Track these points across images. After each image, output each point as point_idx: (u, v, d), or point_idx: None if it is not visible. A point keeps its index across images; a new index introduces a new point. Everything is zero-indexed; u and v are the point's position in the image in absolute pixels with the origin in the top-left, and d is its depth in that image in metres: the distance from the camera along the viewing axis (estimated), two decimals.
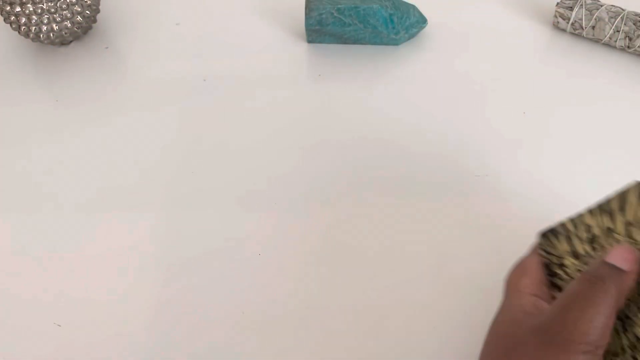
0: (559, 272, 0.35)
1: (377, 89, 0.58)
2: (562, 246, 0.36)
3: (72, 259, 0.47)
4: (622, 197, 0.35)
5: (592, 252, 0.35)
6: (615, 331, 0.32)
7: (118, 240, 0.48)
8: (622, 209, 0.34)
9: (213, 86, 0.59)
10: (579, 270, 0.34)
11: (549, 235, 0.37)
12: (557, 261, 0.36)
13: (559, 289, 0.35)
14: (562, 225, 0.37)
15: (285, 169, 0.52)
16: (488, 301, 0.44)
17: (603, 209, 0.35)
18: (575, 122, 0.55)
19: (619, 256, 0.31)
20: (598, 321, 0.29)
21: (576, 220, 0.36)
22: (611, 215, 0.35)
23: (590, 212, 0.36)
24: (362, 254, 0.47)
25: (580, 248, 0.35)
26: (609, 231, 0.34)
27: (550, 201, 0.49)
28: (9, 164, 0.54)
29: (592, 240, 0.35)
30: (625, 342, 0.31)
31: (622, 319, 0.32)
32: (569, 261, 0.35)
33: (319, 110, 0.57)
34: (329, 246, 0.48)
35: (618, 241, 0.34)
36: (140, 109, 0.58)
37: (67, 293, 0.46)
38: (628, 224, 0.34)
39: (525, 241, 0.45)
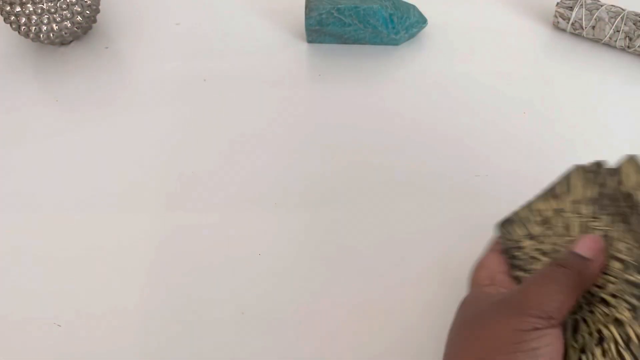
0: (518, 253, 0.38)
1: (377, 89, 0.58)
2: (519, 232, 0.39)
3: (72, 259, 0.47)
4: (566, 181, 0.39)
5: (545, 231, 0.38)
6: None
7: (118, 240, 0.48)
8: (567, 191, 0.39)
9: (213, 86, 0.59)
10: (536, 249, 0.38)
11: (506, 224, 0.40)
12: (515, 245, 0.39)
13: (520, 268, 0.38)
14: (516, 213, 0.41)
15: (285, 168, 0.52)
16: None
17: (551, 194, 0.40)
18: (575, 122, 0.55)
19: (584, 246, 0.33)
20: (555, 296, 0.31)
21: (527, 208, 0.40)
22: (559, 198, 0.39)
23: (540, 198, 0.40)
24: (362, 254, 0.47)
25: (534, 230, 0.39)
26: (559, 211, 0.38)
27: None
28: (9, 164, 0.54)
29: (545, 222, 0.38)
30: (581, 300, 0.33)
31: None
32: (526, 243, 0.38)
33: (319, 110, 0.57)
34: (329, 246, 0.48)
35: (568, 218, 0.37)
36: (140, 109, 0.58)
37: (67, 293, 0.46)
38: (575, 202, 0.38)
39: None
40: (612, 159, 0.43)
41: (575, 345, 0.32)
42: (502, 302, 0.33)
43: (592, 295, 0.33)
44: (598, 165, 0.39)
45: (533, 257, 0.38)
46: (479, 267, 0.39)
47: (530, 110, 0.56)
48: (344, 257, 0.47)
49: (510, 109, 0.56)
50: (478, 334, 0.33)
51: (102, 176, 0.53)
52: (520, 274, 0.38)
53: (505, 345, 0.30)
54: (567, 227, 0.38)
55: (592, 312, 0.33)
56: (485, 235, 0.48)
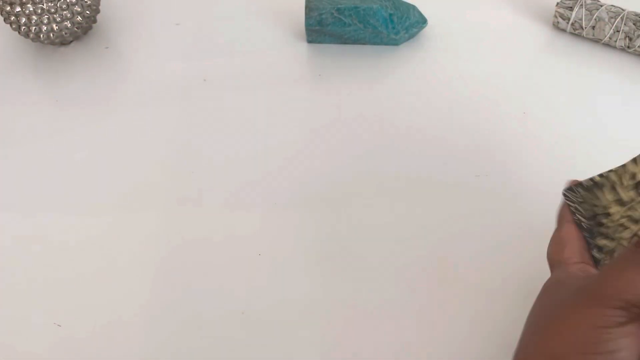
0: (605, 220, 0.36)
1: (377, 89, 0.58)
2: (608, 196, 0.36)
3: (73, 258, 0.47)
4: None
5: (637, 197, 0.35)
6: None
7: (118, 239, 0.48)
8: None
9: (213, 86, 0.59)
10: (626, 217, 0.35)
11: (591, 188, 0.37)
12: (602, 211, 0.36)
13: (605, 236, 0.35)
14: (605, 176, 0.37)
15: (285, 168, 0.52)
16: (490, 300, 0.44)
17: None
18: (575, 121, 0.55)
19: None
20: (638, 281, 0.28)
21: (619, 170, 0.36)
22: None
23: (635, 161, 0.36)
24: (362, 254, 0.47)
25: (625, 195, 0.35)
26: None
27: (550, 201, 0.49)
28: (8, 164, 0.54)
29: (637, 186, 0.35)
30: None
31: None
32: (614, 209, 0.35)
33: (319, 110, 0.57)
34: (329, 246, 0.48)
35: None
36: (140, 109, 0.58)
37: (67, 293, 0.46)
38: None
39: (525, 240, 0.45)
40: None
41: None
42: (582, 290, 0.30)
43: None
44: None
45: (622, 225, 0.35)
46: (560, 245, 0.36)
47: (530, 110, 0.56)
48: (344, 257, 0.47)
49: (510, 109, 0.56)
50: (556, 327, 0.30)
51: (102, 176, 0.53)
52: (605, 242, 0.36)
53: (582, 345, 0.28)
54: None
55: None
56: (485, 235, 0.48)
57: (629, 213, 0.35)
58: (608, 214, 0.36)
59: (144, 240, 0.48)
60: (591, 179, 0.37)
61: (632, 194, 0.35)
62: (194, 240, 0.48)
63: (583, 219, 0.37)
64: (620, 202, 0.36)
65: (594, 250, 0.36)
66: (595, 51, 0.61)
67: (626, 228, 0.35)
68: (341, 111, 0.57)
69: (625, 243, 0.35)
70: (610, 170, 0.37)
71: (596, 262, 0.36)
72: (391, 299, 0.45)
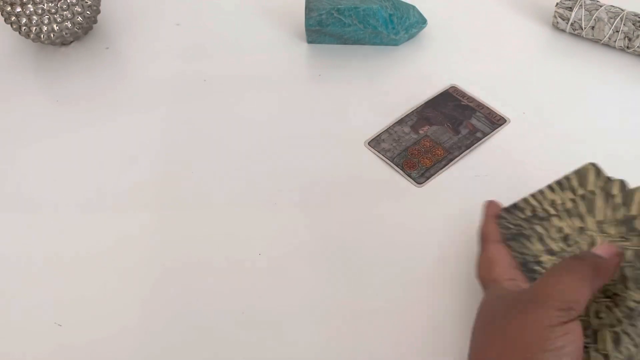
0: (537, 267, 0.39)
1: (377, 89, 0.59)
2: (538, 246, 0.40)
3: (73, 259, 0.48)
4: (580, 175, 0.41)
5: (566, 248, 0.39)
6: (608, 308, 0.35)
7: (118, 239, 0.49)
8: (582, 184, 0.41)
9: (213, 86, 0.59)
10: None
11: (519, 237, 0.40)
12: (533, 259, 0.39)
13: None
14: (525, 200, 0.42)
15: (285, 168, 0.53)
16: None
17: (563, 185, 0.41)
18: (574, 122, 0.55)
19: (600, 249, 0.36)
20: (574, 285, 0.32)
21: (538, 196, 0.42)
22: (573, 190, 0.41)
23: (551, 188, 0.42)
24: (362, 254, 0.47)
25: (555, 246, 0.39)
26: (582, 230, 0.39)
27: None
28: (9, 164, 0.54)
29: (565, 239, 0.39)
30: (619, 314, 0.35)
31: (611, 297, 0.36)
32: (545, 257, 0.39)
33: (319, 110, 0.57)
34: (329, 246, 0.48)
35: (593, 237, 0.38)
36: (140, 109, 0.58)
37: (67, 293, 0.46)
38: (600, 222, 0.39)
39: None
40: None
41: (620, 356, 0.34)
42: (525, 295, 0.33)
43: (632, 310, 0.34)
44: (622, 184, 0.40)
45: None
46: (489, 265, 0.39)
47: (530, 110, 0.56)
48: (344, 257, 0.47)
49: (510, 109, 0.56)
50: (504, 330, 0.33)
51: (102, 176, 0.53)
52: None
53: (532, 344, 0.31)
54: (592, 244, 0.38)
55: (634, 325, 0.34)
56: None
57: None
58: (539, 262, 0.39)
59: (144, 239, 0.48)
60: (518, 229, 0.41)
61: (561, 245, 0.39)
62: (194, 240, 0.48)
63: (507, 232, 0.41)
64: (550, 251, 0.39)
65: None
66: (594, 51, 0.61)
67: None
68: (341, 111, 0.57)
69: None
70: (529, 195, 0.42)
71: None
72: (391, 299, 0.45)
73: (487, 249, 0.40)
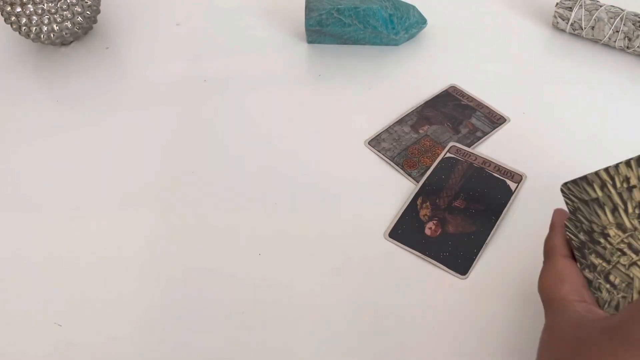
0: (601, 240, 0.36)
1: (377, 89, 0.59)
2: (609, 217, 0.36)
3: (73, 259, 0.47)
4: None
5: None
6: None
7: (118, 239, 0.48)
8: None
9: (213, 86, 0.59)
10: (626, 243, 0.35)
11: (590, 203, 0.37)
12: (599, 230, 0.36)
13: (600, 255, 0.36)
14: (596, 174, 0.37)
15: (286, 168, 0.53)
16: (495, 304, 0.44)
17: None
18: (574, 121, 0.55)
19: None
20: None
21: (612, 170, 0.37)
22: None
23: (628, 164, 0.36)
24: (362, 254, 0.47)
25: (629, 223, 0.36)
26: None
27: (550, 200, 0.49)
28: (9, 164, 0.54)
29: (630, 189, 0.36)
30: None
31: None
32: (614, 231, 0.36)
33: (319, 110, 0.57)
34: (329, 245, 0.48)
35: None
36: (140, 109, 0.58)
37: (67, 293, 0.46)
38: None
39: (526, 240, 0.45)
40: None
41: None
42: (615, 331, 0.30)
43: None
44: None
45: (620, 250, 0.35)
46: (558, 280, 0.36)
47: (529, 110, 0.56)
48: (344, 257, 0.47)
49: (510, 109, 0.56)
50: None
51: (102, 176, 0.53)
52: (600, 262, 0.36)
53: None
54: None
55: None
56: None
57: (630, 241, 0.35)
58: (607, 235, 0.36)
59: (144, 239, 0.48)
60: (581, 177, 0.37)
61: (636, 222, 0.35)
62: (194, 239, 0.48)
63: (575, 238, 0.37)
64: (622, 227, 0.36)
65: (586, 270, 0.36)
66: (594, 51, 0.61)
67: (624, 254, 0.35)
68: (341, 111, 0.57)
69: (622, 268, 0.35)
70: (601, 169, 0.37)
71: (589, 284, 0.36)
72: (391, 299, 0.45)
73: (555, 263, 0.37)
